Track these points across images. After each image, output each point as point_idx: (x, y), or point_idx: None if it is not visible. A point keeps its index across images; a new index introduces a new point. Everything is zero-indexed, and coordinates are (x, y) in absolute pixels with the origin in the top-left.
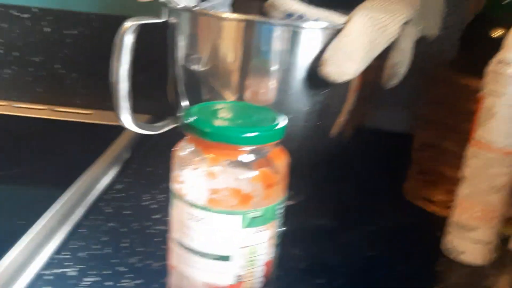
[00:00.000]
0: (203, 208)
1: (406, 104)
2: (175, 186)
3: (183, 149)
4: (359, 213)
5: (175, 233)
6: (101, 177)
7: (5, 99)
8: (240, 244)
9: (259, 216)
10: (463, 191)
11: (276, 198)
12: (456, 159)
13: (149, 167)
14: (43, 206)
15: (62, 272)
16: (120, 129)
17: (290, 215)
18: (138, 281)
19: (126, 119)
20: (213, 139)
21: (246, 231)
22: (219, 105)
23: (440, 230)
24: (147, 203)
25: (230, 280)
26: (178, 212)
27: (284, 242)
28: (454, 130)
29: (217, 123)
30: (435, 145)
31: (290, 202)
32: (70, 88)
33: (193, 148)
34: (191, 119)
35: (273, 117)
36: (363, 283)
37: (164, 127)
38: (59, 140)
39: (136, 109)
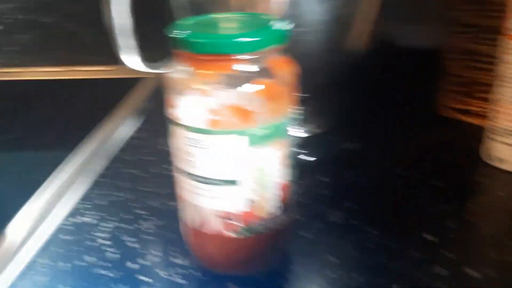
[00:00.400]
0: (202, 131)
1: (435, 15)
2: (171, 111)
3: (175, 70)
4: (390, 133)
5: (178, 162)
6: (120, 127)
7: (29, 64)
8: (247, 166)
9: (266, 134)
10: (499, 93)
11: (284, 114)
12: (492, 64)
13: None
14: (66, 156)
15: (82, 220)
16: (139, 80)
17: (317, 144)
18: (159, 223)
19: (126, 58)
20: (204, 51)
21: (252, 151)
22: (213, 17)
23: (478, 141)
24: (165, 147)
25: (242, 206)
26: (178, 140)
27: (312, 171)
28: (490, 31)
29: (208, 32)
30: (470, 50)
31: (317, 131)
32: (90, 46)
33: (185, 67)
34: (179, 33)
35: (274, 22)
36: (397, 203)
37: (165, 66)
38: (80, 98)
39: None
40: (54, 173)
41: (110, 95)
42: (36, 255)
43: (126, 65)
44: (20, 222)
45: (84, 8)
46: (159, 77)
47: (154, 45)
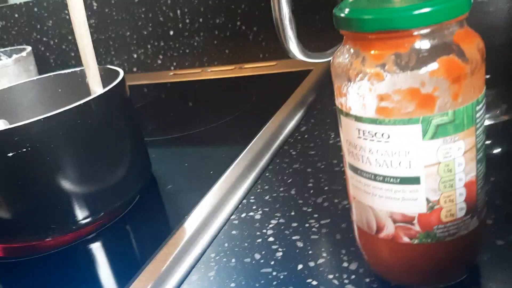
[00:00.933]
0: (375, 121)
1: None
2: (339, 101)
3: (341, 55)
4: None
5: (349, 157)
6: (286, 122)
7: (199, 65)
8: (426, 161)
9: (448, 122)
10: None
11: (471, 96)
12: None
13: (334, 106)
14: (233, 156)
15: (248, 216)
16: (304, 74)
17: (505, 132)
18: (324, 221)
19: (294, 48)
20: (376, 28)
21: (432, 143)
22: None
23: None
24: (333, 141)
25: (421, 208)
26: (346, 131)
27: (500, 165)
28: None
29: (379, 7)
30: None
31: (504, 117)
32: (253, 43)
33: (351, 50)
34: (346, 12)
35: None
36: None
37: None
38: (249, 94)
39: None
40: (228, 169)
41: (276, 90)
42: (207, 250)
43: (294, 57)
44: (195, 217)
45: (248, 5)
46: (324, 68)
47: (321, 35)
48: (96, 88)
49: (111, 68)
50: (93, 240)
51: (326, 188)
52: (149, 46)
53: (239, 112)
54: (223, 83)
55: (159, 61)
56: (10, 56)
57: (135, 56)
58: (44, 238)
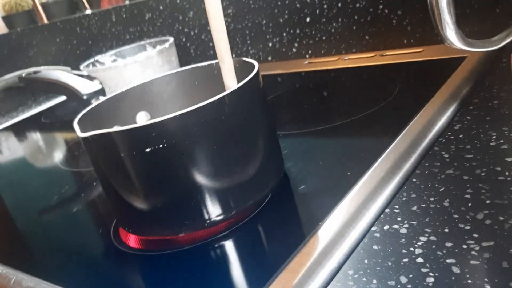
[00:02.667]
0: None
1: None
2: None
3: None
4: None
5: None
6: (436, 118)
7: (336, 53)
8: None
9: None
10: None
11: None
12: None
13: (495, 100)
14: (373, 155)
15: (392, 229)
16: (457, 62)
17: None
18: (487, 243)
19: (451, 35)
20: None
21: None
22: None
23: None
24: (495, 143)
25: None
26: None
27: None
28: None
29: None
30: None
31: None
32: (397, 28)
33: None
34: None
35: None
36: None
37: (504, 40)
38: (389, 84)
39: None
40: (368, 171)
41: (423, 80)
42: (344, 265)
43: (452, 45)
44: (330, 225)
45: None
46: (482, 55)
47: (478, 17)
48: (231, 83)
49: (246, 61)
50: (224, 239)
51: (488, 201)
52: (284, 34)
53: (380, 105)
54: (362, 72)
55: (294, 49)
56: (154, 47)
57: (270, 44)
58: (178, 233)
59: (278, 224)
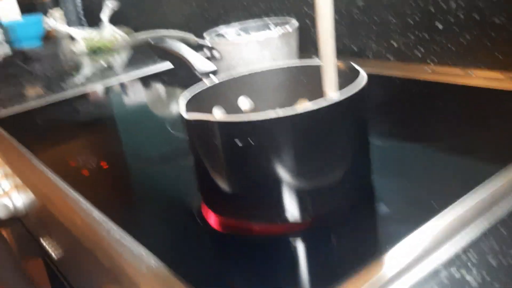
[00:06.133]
0: None
1: None
2: None
3: None
4: None
5: None
6: None
7: (461, 66)
8: None
9: None
10: None
11: None
12: None
13: None
14: (465, 186)
15: (459, 273)
16: None
17: None
18: None
19: None
20: None
21: None
22: None
23: None
24: None
25: None
26: None
27: None
28: None
29: None
30: None
31: None
32: None
33: None
34: None
35: None
36: None
37: None
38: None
39: None
40: (451, 205)
41: None
42: None
43: None
44: (399, 253)
45: None
46: None
47: None
48: (331, 92)
49: (355, 68)
50: (299, 238)
51: None
52: (412, 37)
53: (492, 133)
54: (487, 93)
55: (419, 54)
56: (277, 26)
57: (395, 44)
58: (254, 223)
59: (350, 236)
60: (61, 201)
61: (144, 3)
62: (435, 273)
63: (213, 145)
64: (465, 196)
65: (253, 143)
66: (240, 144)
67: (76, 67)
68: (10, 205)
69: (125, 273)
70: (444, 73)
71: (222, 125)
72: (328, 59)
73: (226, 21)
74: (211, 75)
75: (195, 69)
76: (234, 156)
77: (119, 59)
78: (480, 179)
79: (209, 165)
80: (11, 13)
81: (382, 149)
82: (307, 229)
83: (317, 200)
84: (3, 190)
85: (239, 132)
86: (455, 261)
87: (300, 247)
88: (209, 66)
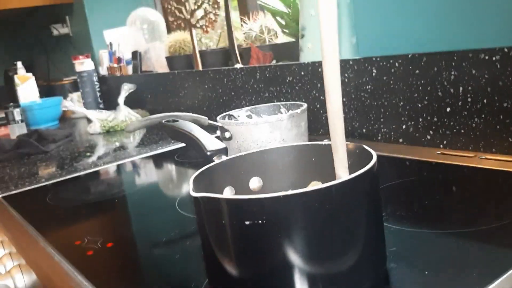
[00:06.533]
0: None
1: None
2: None
3: None
4: None
5: None
6: None
7: (472, 149)
8: None
9: None
10: None
11: None
12: None
13: None
14: (485, 280)
15: None
16: None
17: None
18: None
19: None
20: None
21: None
22: None
23: None
24: None
25: None
26: None
27: None
28: None
29: None
30: None
31: None
32: None
33: None
34: None
35: None
36: None
37: None
38: None
39: None
40: None
41: None
42: None
43: None
44: None
45: None
46: None
47: None
48: (342, 173)
49: (366, 149)
50: None
51: None
52: (420, 119)
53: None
54: (500, 177)
55: (428, 137)
56: (288, 110)
57: (404, 127)
58: None
59: None
60: (63, 282)
61: (160, 88)
62: None
63: (220, 224)
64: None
65: (261, 222)
66: (247, 223)
67: (90, 147)
68: (12, 287)
69: None
70: (455, 156)
71: (229, 202)
72: (337, 139)
73: (238, 105)
74: (222, 155)
75: (205, 148)
76: (242, 236)
77: (132, 140)
78: (502, 267)
79: (215, 245)
80: (30, 95)
81: (397, 233)
82: None
83: (326, 285)
84: (6, 270)
85: (247, 210)
86: None
87: None
88: (219, 144)
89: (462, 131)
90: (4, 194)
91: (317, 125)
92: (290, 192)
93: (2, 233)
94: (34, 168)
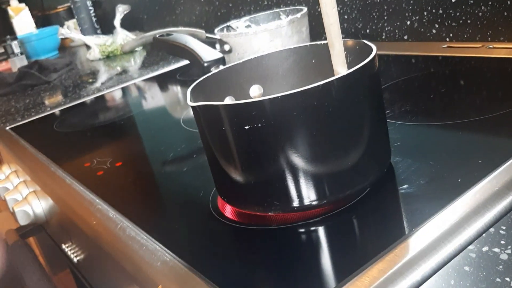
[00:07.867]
0: None
1: None
2: None
3: None
4: None
5: None
6: None
7: (479, 40)
8: None
9: None
10: None
11: None
12: None
13: None
14: (492, 163)
15: (491, 252)
16: None
17: None
18: None
19: None
20: None
21: None
22: None
23: None
24: None
25: None
26: None
27: None
28: None
29: None
30: None
31: None
32: None
33: None
34: None
35: None
36: None
37: None
38: None
39: None
40: (481, 182)
41: None
42: (427, 280)
43: None
44: (423, 235)
45: None
46: None
47: None
48: (340, 68)
49: (366, 44)
50: (315, 225)
51: None
52: (425, 13)
53: None
54: (508, 64)
55: (434, 31)
56: (288, 16)
57: (408, 23)
58: (268, 211)
59: (370, 220)
60: (78, 203)
61: (155, 6)
62: (464, 251)
63: (221, 131)
64: (495, 172)
65: (260, 125)
66: (247, 127)
67: (92, 74)
68: (30, 212)
69: (141, 270)
70: (462, 48)
71: (227, 108)
72: (334, 39)
73: (237, 16)
74: (220, 65)
75: (201, 59)
76: (243, 141)
77: (133, 63)
78: (508, 155)
79: (219, 154)
80: (26, 27)
81: (402, 128)
82: (328, 214)
83: (332, 183)
84: (23, 196)
85: (245, 115)
86: (485, 238)
87: (322, 233)
88: (215, 54)
89: (469, 21)
90: (12, 125)
91: (319, 29)
92: (287, 92)
93: (15, 163)
94: (39, 98)
